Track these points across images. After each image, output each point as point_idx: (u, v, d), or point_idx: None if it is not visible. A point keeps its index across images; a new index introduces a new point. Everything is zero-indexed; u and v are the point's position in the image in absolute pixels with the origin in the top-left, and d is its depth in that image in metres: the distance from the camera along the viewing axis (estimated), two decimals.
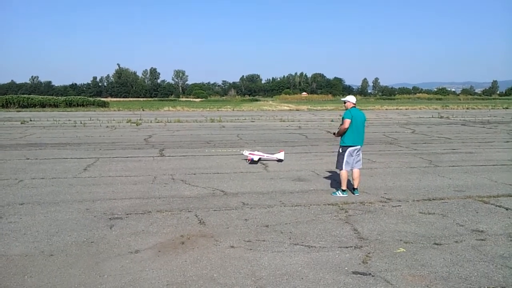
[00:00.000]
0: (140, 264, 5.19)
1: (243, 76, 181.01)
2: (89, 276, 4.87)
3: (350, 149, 8.38)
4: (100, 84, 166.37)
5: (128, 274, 4.90)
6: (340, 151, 8.51)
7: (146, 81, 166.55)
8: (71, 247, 5.74)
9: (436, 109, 51.94)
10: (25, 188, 9.16)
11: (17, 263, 5.21)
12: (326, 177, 10.36)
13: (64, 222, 6.80)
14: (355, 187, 8.63)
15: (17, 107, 50.16)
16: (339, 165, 8.54)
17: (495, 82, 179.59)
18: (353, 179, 8.64)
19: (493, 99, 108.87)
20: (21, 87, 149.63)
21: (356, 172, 8.57)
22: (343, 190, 8.51)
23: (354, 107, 8.57)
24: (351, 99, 8.70)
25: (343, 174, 8.49)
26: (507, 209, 7.58)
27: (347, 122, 8.28)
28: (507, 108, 53.81)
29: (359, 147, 8.50)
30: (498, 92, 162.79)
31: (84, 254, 5.50)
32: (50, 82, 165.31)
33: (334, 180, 9.90)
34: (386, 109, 52.66)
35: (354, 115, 8.34)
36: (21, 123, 28.12)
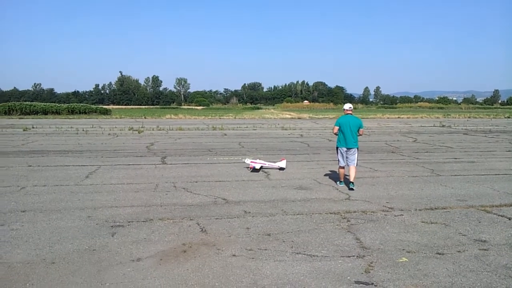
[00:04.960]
0: (142, 272, 5.18)
1: (245, 84, 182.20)
2: (90, 284, 4.86)
3: (339, 149, 10.21)
4: (102, 92, 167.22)
5: (130, 283, 4.89)
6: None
7: (148, 88, 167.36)
8: (73, 255, 5.74)
9: (437, 118, 52.01)
10: (27, 195, 9.17)
11: (18, 271, 5.21)
12: (328, 186, 10.35)
13: (66, 230, 6.80)
14: (351, 180, 9.90)
15: (20, 114, 50.24)
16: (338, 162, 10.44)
17: (496, 91, 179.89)
18: (349, 174, 10.02)
19: (495, 108, 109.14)
20: (24, 94, 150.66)
21: (351, 168, 9.99)
22: (340, 181, 10.34)
23: (349, 113, 10.19)
24: (345, 106, 10.48)
25: (339, 169, 10.38)
26: (509, 219, 7.55)
27: (335, 128, 10.24)
28: (508, 118, 53.86)
29: (353, 149, 10.02)
30: (499, 101, 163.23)
31: (86, 262, 5.50)
32: (52, 89, 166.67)
33: (336, 189, 9.91)
34: (388, 118, 52.78)
35: (342, 122, 10.05)
36: (24, 130, 28.19)
